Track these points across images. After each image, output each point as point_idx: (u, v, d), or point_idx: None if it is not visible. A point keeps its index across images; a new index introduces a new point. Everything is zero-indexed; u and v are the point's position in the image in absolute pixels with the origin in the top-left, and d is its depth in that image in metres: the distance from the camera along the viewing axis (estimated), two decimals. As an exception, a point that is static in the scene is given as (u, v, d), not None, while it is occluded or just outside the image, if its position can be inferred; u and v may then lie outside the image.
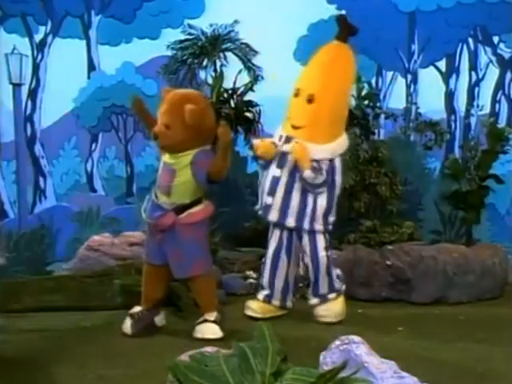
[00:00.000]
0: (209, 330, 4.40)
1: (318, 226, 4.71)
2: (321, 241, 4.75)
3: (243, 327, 4.31)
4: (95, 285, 5.18)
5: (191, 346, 3.13)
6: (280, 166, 4.69)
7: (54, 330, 4.60)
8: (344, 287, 4.86)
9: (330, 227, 4.78)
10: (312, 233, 4.72)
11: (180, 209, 4.40)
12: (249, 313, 4.85)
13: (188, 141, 4.34)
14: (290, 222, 4.70)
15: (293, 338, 4.06)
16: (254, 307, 4.86)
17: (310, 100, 4.63)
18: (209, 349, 2.99)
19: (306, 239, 4.74)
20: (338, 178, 4.74)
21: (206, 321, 4.45)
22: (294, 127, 4.68)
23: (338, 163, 4.70)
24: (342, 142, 4.77)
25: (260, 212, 4.83)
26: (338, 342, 2.97)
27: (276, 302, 4.88)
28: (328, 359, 2.92)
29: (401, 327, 4.62)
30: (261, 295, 4.91)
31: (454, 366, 3.82)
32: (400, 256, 5.38)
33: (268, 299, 4.88)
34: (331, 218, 4.77)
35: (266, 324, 2.96)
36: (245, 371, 2.62)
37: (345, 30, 4.73)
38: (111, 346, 4.23)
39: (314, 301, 4.80)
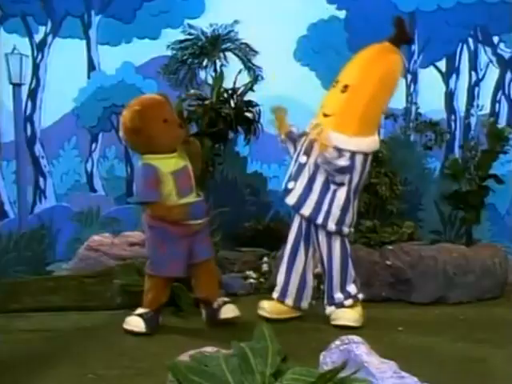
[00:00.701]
0: (231, 309, 4.57)
1: (331, 224, 4.59)
2: (337, 244, 4.65)
3: (243, 327, 4.31)
4: (95, 285, 5.18)
5: (191, 346, 3.13)
6: (306, 153, 4.63)
7: (54, 330, 4.59)
8: (361, 296, 4.75)
9: (346, 229, 4.64)
10: (328, 234, 4.63)
11: None
12: (261, 313, 4.76)
13: None
14: (306, 211, 4.61)
15: (293, 338, 4.06)
16: (267, 307, 4.77)
17: (344, 91, 4.57)
18: (209, 349, 2.99)
19: (323, 240, 4.66)
20: (356, 177, 4.59)
21: (225, 302, 4.61)
22: (325, 115, 4.62)
23: (358, 161, 4.56)
24: (369, 141, 4.64)
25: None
26: (338, 342, 2.97)
27: (289, 301, 4.79)
28: (328, 359, 2.92)
29: (401, 327, 4.61)
30: (275, 293, 4.84)
31: (454, 366, 3.81)
32: (400, 256, 5.38)
33: (281, 298, 4.81)
34: (347, 219, 4.63)
35: (265, 324, 2.96)
36: (245, 371, 2.62)
37: (399, 34, 4.64)
38: (111, 346, 4.23)
39: (329, 309, 4.71)
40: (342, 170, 4.54)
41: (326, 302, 4.74)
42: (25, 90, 6.67)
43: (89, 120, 6.71)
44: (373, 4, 6.65)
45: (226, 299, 4.66)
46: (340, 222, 4.63)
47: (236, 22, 6.02)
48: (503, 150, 5.66)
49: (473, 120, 6.76)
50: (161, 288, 4.56)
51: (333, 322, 4.65)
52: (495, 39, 6.73)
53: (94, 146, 6.77)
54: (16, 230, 6.50)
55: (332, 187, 4.60)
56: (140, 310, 4.53)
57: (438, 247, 5.50)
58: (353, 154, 4.55)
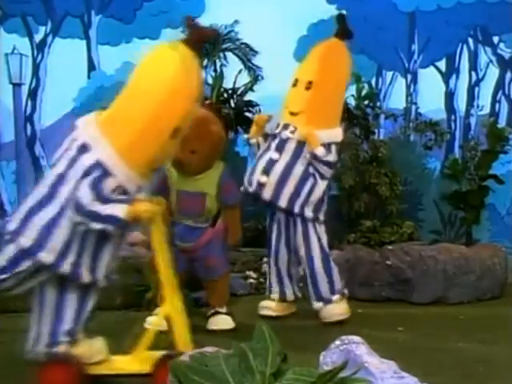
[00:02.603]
0: (222, 321, 4.52)
1: (308, 212, 4.68)
2: (313, 231, 4.72)
3: (243, 327, 4.31)
4: (95, 285, 5.17)
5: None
6: (279, 150, 4.69)
7: (54, 330, 4.58)
8: (346, 291, 4.84)
9: (322, 217, 4.74)
10: (303, 221, 4.70)
11: (212, 221, 4.50)
12: (265, 312, 4.80)
13: (211, 162, 4.45)
14: (283, 202, 4.66)
15: (293, 338, 4.06)
16: (271, 306, 4.83)
17: (308, 87, 4.68)
18: (209, 349, 2.98)
19: (299, 229, 4.72)
20: (333, 168, 4.79)
21: (217, 313, 4.56)
22: (292, 114, 4.72)
23: (334, 151, 4.71)
24: (336, 133, 4.78)
25: (251, 190, 4.72)
26: (338, 342, 2.97)
27: (290, 296, 4.90)
28: (328, 359, 2.91)
29: (401, 327, 4.61)
30: (275, 295, 4.88)
31: (454, 366, 3.81)
32: (400, 256, 5.38)
33: (282, 296, 4.88)
34: (323, 207, 4.76)
35: (265, 324, 2.95)
36: (245, 371, 2.62)
37: (342, 30, 4.84)
38: (111, 346, 4.22)
39: (317, 305, 4.76)
40: (330, 165, 4.68)
41: (312, 297, 4.77)
42: (25, 90, 6.67)
43: (89, 120, 6.70)
44: (373, 4, 6.65)
45: (220, 310, 4.60)
46: (316, 209, 4.72)
47: (236, 21, 6.04)
48: (503, 149, 5.67)
49: (473, 120, 6.76)
50: None
51: (325, 320, 4.69)
52: (495, 39, 6.73)
53: (94, 146, 6.76)
54: (16, 230, 6.49)
55: (311, 180, 4.67)
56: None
57: (437, 247, 5.50)
58: (329, 145, 4.67)
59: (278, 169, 4.66)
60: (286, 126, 4.72)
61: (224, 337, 4.24)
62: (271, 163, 4.68)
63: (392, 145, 6.04)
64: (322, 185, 4.71)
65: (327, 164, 4.67)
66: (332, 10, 6.65)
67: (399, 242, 5.54)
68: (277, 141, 4.72)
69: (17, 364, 3.89)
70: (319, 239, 4.75)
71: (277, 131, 4.75)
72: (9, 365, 3.89)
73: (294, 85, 4.77)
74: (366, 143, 5.90)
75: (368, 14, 6.59)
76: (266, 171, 4.68)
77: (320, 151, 4.61)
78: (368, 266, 5.37)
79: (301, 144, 4.66)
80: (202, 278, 4.63)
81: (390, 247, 5.46)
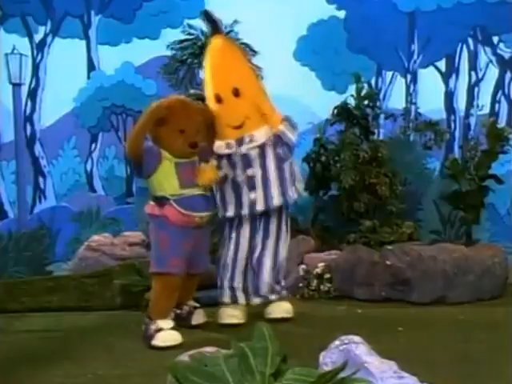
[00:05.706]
0: (201, 316, 4.68)
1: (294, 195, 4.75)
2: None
3: (243, 327, 4.31)
4: (95, 285, 5.19)
5: (191, 346, 3.13)
6: (247, 166, 4.63)
7: (54, 330, 4.60)
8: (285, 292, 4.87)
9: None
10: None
11: None
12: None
13: None
14: (276, 201, 4.66)
15: (293, 338, 4.06)
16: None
17: (237, 94, 4.65)
18: (209, 349, 2.99)
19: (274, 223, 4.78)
20: None
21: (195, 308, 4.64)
22: (237, 127, 4.64)
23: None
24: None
25: (244, 211, 4.66)
26: (337, 342, 2.97)
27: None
28: (328, 359, 2.92)
29: (401, 327, 4.62)
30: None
31: (453, 366, 3.81)
32: (400, 256, 5.38)
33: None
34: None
35: (265, 324, 2.96)
36: (245, 371, 2.62)
37: (213, 26, 4.92)
38: (111, 347, 4.23)
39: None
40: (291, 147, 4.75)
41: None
42: (25, 90, 6.67)
43: (88, 120, 6.71)
44: (373, 4, 6.65)
45: (195, 304, 4.63)
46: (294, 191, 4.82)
47: (236, 21, 6.02)
48: (503, 149, 5.67)
49: (473, 120, 6.75)
50: (171, 290, 4.36)
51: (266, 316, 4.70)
52: (495, 39, 6.71)
53: (93, 146, 6.77)
54: (16, 230, 6.50)
55: (286, 165, 4.72)
56: (167, 325, 4.31)
57: (437, 247, 5.50)
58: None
59: (259, 180, 4.62)
60: (240, 142, 4.61)
61: (224, 337, 4.24)
62: (252, 180, 4.63)
63: (392, 145, 6.04)
64: (289, 164, 4.74)
65: (290, 147, 4.71)
66: (332, 10, 6.66)
67: (399, 242, 5.54)
68: (239, 158, 4.62)
69: (16, 364, 3.90)
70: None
71: (231, 150, 4.62)
72: (9, 365, 3.90)
73: (219, 101, 4.67)
74: (366, 143, 5.90)
75: (368, 14, 6.58)
76: (252, 187, 4.63)
77: (287, 134, 4.68)
78: (368, 266, 5.37)
79: (261, 146, 4.62)
80: (191, 273, 4.48)
81: (389, 247, 5.46)
